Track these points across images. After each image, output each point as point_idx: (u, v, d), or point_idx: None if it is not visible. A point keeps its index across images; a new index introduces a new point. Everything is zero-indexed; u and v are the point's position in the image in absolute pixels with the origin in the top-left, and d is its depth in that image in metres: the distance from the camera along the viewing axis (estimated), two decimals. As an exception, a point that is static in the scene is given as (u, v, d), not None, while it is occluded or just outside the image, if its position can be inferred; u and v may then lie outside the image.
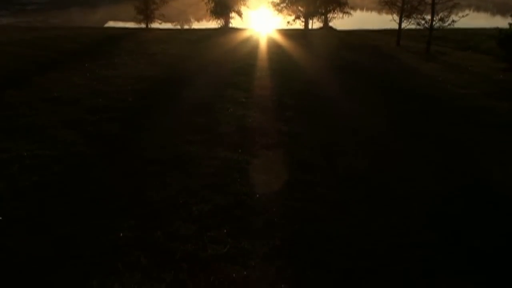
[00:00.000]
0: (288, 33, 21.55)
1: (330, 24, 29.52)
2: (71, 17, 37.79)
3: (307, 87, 10.65)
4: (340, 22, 29.30)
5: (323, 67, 13.43)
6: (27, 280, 3.58)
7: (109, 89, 9.13)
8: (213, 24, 27.91)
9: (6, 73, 9.83)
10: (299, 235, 4.49)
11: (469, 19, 19.72)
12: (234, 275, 3.82)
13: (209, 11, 27.69)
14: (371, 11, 45.36)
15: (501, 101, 10.04)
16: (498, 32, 15.32)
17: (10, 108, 7.57)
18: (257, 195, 5.23)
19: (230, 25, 27.47)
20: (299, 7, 28.31)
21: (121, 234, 4.25)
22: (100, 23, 33.54)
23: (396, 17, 19.44)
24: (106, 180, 5.35)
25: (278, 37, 19.61)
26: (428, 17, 17.70)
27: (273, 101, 9.37)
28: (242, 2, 28.09)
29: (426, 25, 17.71)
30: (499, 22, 26.28)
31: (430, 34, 17.36)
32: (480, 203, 5.39)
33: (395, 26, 19.58)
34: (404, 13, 19.11)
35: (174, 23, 34.52)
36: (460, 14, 18.05)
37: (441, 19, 17.40)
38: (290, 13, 28.75)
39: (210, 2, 27.51)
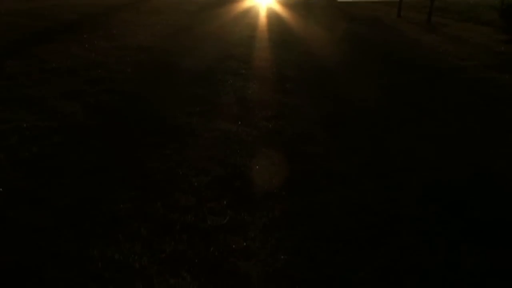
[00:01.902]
0: (288, 4, 21.36)
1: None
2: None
3: (307, 59, 10.60)
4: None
5: (323, 38, 13.35)
6: (27, 250, 3.60)
7: (108, 60, 9.08)
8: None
9: (5, 43, 9.76)
10: (298, 206, 4.51)
11: (471, -10, 19.56)
12: (233, 245, 3.84)
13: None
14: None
15: (502, 73, 10.01)
16: (500, 3, 15.18)
17: (9, 78, 7.53)
18: (257, 167, 5.24)
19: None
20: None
21: (121, 205, 4.27)
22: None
23: (397, -13, 19.28)
24: (106, 152, 5.35)
25: (278, 8, 19.45)
26: (430, -13, 17.55)
27: (273, 72, 9.34)
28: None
29: (428, -4, 17.56)
30: (501, -7, 25.95)
31: (431, 5, 17.22)
32: (482, 178, 5.42)
33: (396, -4, 19.41)
34: (405, -17, 18.95)
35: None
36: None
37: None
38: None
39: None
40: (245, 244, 3.88)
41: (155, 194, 4.52)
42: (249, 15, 16.35)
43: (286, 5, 20.64)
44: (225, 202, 4.45)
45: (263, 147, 5.77)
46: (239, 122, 6.44)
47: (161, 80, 8.22)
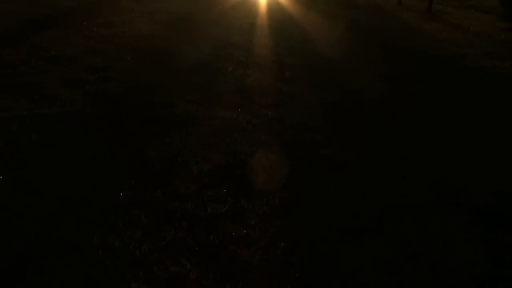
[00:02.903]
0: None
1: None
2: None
3: (308, 46, 10.57)
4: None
5: (324, 26, 13.31)
6: (28, 238, 3.61)
7: (108, 48, 9.05)
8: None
9: (5, 31, 9.72)
10: (298, 194, 4.52)
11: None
12: (233, 233, 3.85)
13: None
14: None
15: (502, 61, 9.99)
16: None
17: (9, 66, 7.51)
18: (257, 155, 5.24)
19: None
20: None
21: (121, 193, 4.28)
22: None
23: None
24: (105, 140, 5.35)
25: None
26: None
27: (273, 60, 9.31)
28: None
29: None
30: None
31: (432, -7, 17.11)
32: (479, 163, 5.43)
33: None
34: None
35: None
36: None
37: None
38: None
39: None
40: (245, 232, 3.89)
41: (155, 182, 4.52)
42: (249, 2, 16.27)
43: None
44: (225, 190, 4.46)
45: (263, 135, 5.76)
46: (239, 110, 6.43)
47: (160, 68, 8.20)
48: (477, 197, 4.68)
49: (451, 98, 7.66)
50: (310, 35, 11.94)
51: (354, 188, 4.70)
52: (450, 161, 5.48)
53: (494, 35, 13.13)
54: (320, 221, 4.12)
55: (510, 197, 4.74)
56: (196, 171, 4.79)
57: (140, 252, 3.54)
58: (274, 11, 14.94)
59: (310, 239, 3.87)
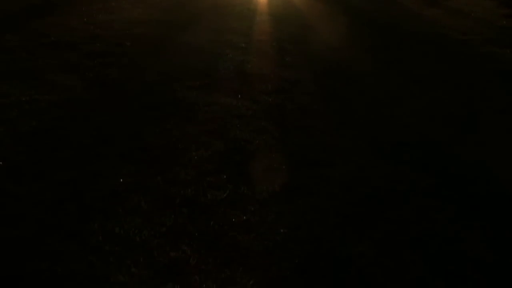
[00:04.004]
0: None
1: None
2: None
3: (307, 33, 10.52)
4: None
5: (324, 12, 13.24)
6: (28, 224, 3.61)
7: (107, 34, 9.01)
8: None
9: (4, 16, 9.68)
10: (298, 180, 4.52)
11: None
12: (233, 219, 3.86)
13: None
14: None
15: (503, 48, 9.94)
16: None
17: (8, 52, 7.48)
18: (257, 141, 5.23)
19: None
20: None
21: (121, 180, 4.28)
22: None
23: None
24: (105, 126, 5.34)
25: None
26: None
27: (273, 46, 9.27)
28: None
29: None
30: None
31: (433, -22, 17.00)
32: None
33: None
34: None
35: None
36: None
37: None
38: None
39: None
40: (245, 218, 3.89)
41: (155, 168, 4.52)
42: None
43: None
44: (225, 176, 4.46)
45: (263, 121, 5.75)
46: (239, 96, 6.41)
47: (160, 54, 8.17)
48: (477, 185, 4.68)
49: (452, 85, 7.63)
50: (310, 21, 11.88)
51: (354, 174, 4.70)
52: (452, 148, 5.46)
53: (496, 21, 13.06)
54: (320, 207, 4.12)
55: (509, 185, 4.74)
56: (196, 157, 4.79)
57: (140, 238, 3.55)
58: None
59: (310, 225, 3.88)
